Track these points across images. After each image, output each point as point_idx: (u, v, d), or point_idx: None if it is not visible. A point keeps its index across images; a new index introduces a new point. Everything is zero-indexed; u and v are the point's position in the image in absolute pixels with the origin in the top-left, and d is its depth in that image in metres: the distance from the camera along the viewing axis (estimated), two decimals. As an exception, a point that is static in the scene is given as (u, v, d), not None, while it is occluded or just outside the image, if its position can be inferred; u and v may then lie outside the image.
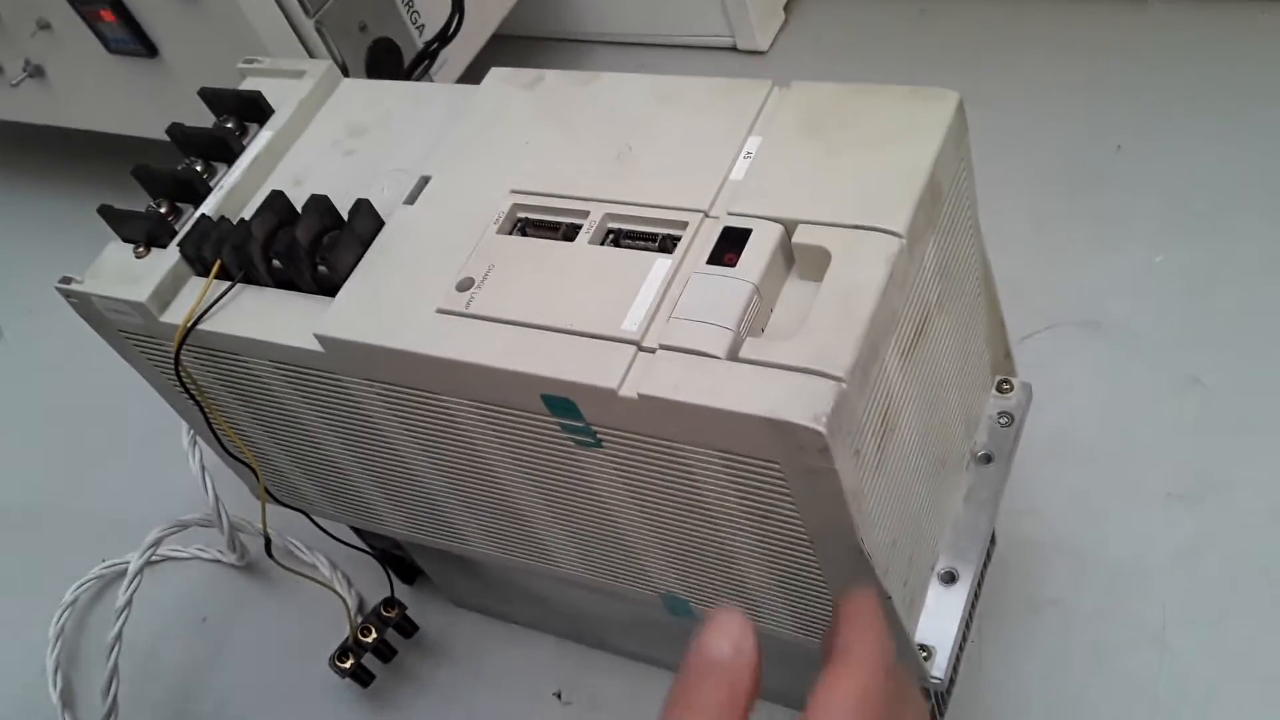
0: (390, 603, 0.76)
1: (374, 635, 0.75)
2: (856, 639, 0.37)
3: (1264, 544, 0.67)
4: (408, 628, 0.78)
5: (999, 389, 0.60)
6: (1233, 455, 0.71)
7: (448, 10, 0.91)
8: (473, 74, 0.54)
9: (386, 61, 0.90)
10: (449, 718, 0.76)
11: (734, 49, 1.10)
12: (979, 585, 0.58)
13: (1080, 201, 0.87)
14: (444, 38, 0.91)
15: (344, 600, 0.76)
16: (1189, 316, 0.78)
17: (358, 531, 0.75)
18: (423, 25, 0.93)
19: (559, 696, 0.75)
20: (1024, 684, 0.66)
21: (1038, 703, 0.65)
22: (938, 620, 0.54)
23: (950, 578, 0.55)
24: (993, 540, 0.67)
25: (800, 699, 0.36)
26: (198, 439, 0.81)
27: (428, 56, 0.91)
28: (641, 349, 0.44)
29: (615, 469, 0.48)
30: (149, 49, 0.92)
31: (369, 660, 0.75)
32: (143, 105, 0.98)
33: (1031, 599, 0.69)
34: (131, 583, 0.83)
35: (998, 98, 0.92)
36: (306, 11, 0.84)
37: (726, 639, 0.36)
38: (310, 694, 0.79)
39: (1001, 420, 0.60)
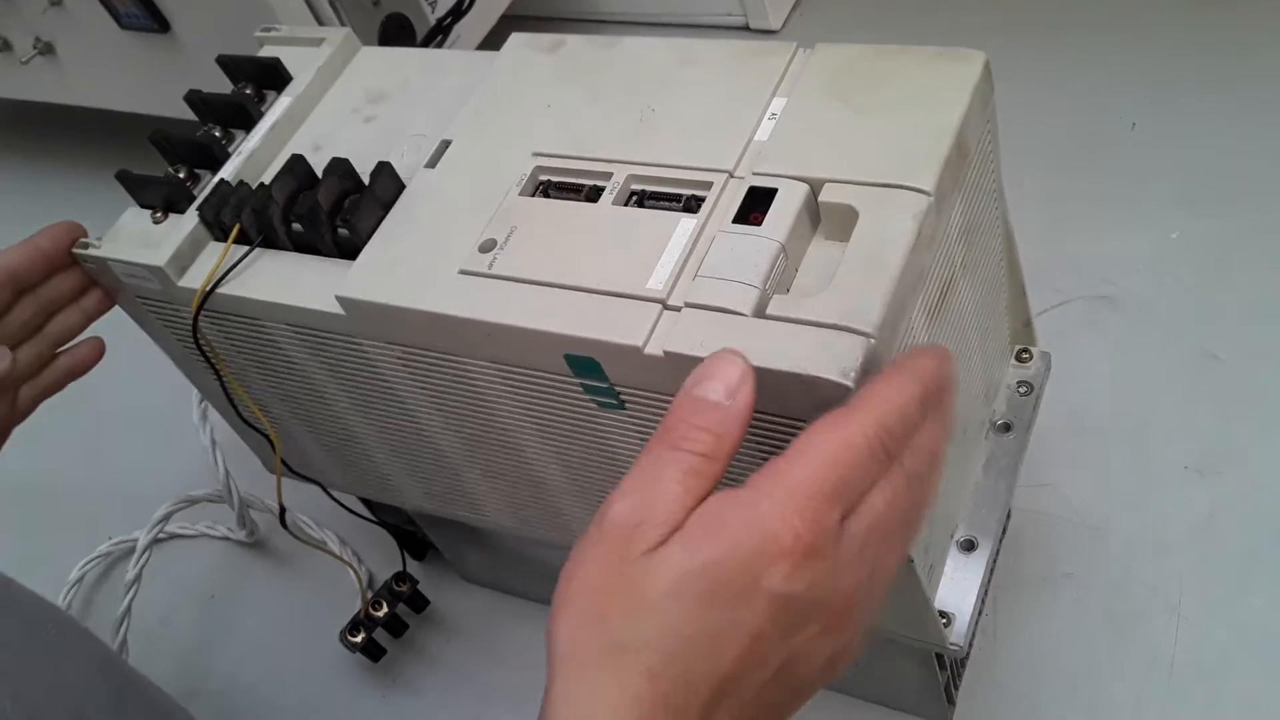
0: (402, 577, 0.76)
1: (385, 610, 0.75)
2: (882, 392, 0.36)
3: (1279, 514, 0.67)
4: (419, 603, 0.78)
5: (1018, 358, 0.60)
6: (1249, 429, 0.71)
7: (460, -14, 0.91)
8: (484, 51, 0.54)
9: (399, 36, 0.89)
10: (460, 693, 0.76)
11: (746, 28, 1.09)
12: (996, 555, 0.58)
13: (1095, 178, 0.87)
14: (457, 13, 0.91)
15: (355, 573, 0.76)
16: (1204, 292, 0.78)
17: (369, 506, 0.75)
18: (435, 1, 0.92)
19: (572, 670, 0.74)
20: (1039, 655, 0.66)
21: (1053, 673, 0.65)
22: (957, 587, 0.54)
23: (970, 545, 0.55)
24: (1008, 513, 0.67)
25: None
26: (208, 414, 0.81)
27: (440, 32, 0.91)
28: (667, 307, 0.43)
29: (637, 431, 0.48)
30: (161, 24, 0.91)
31: (380, 635, 0.75)
32: (155, 82, 0.98)
33: (1047, 571, 0.68)
34: (140, 559, 0.84)
35: (1012, 75, 0.91)
36: (319, -15, 0.84)
37: (722, 383, 0.36)
38: (320, 669, 0.79)
39: (1021, 390, 0.60)
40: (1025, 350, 0.60)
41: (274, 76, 0.60)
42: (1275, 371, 0.72)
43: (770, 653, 0.35)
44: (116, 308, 0.60)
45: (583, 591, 0.36)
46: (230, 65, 0.61)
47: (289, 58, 0.61)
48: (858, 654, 0.39)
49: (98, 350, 0.62)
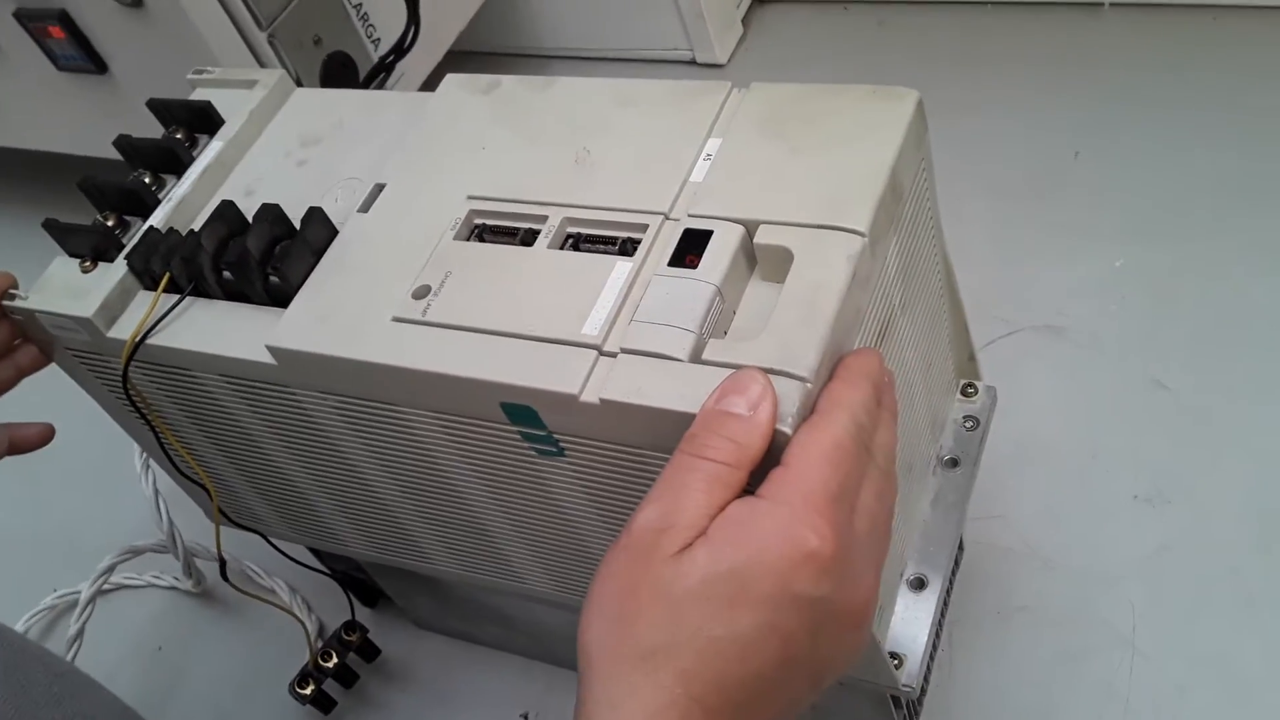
0: (351, 626, 0.74)
1: (335, 660, 0.73)
2: (844, 393, 0.39)
3: (1232, 544, 0.67)
4: (370, 652, 0.76)
5: (963, 393, 0.60)
6: (1198, 457, 0.71)
7: (403, 23, 0.90)
8: (429, 89, 0.53)
9: (341, 75, 0.89)
10: (413, 742, 0.74)
11: (693, 62, 1.10)
12: (948, 591, 0.58)
13: (1040, 208, 0.87)
14: (400, 50, 0.90)
15: (304, 624, 0.74)
16: (1151, 320, 0.78)
17: (317, 553, 0.74)
18: (378, 39, 0.92)
19: (526, 718, 0.73)
20: (995, 690, 0.65)
21: (1010, 708, 0.64)
22: (908, 627, 0.53)
23: (920, 584, 0.55)
24: (961, 546, 0.66)
25: None
26: (150, 463, 0.79)
27: (383, 70, 0.90)
28: (603, 353, 0.43)
29: (578, 478, 0.47)
30: (99, 65, 0.90)
31: (330, 686, 0.73)
32: (93, 123, 0.96)
33: (1001, 605, 0.68)
34: (83, 612, 0.82)
35: (956, 107, 0.92)
36: (259, 24, 0.83)
37: (744, 397, 0.38)
38: (270, 722, 0.77)
39: (967, 424, 0.59)
40: (970, 385, 0.60)
41: (206, 120, 0.59)
42: (1222, 399, 0.73)
43: (799, 653, 0.36)
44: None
45: (611, 597, 0.37)
46: (161, 109, 0.60)
47: (221, 100, 0.60)
48: (866, 647, 0.40)
49: (45, 436, 0.62)
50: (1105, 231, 0.84)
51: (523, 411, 0.44)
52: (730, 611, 0.35)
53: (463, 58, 1.05)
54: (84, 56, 0.90)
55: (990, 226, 0.86)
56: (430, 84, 0.97)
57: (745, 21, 1.12)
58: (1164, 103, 0.90)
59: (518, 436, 0.46)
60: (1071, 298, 0.81)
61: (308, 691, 0.72)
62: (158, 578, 0.86)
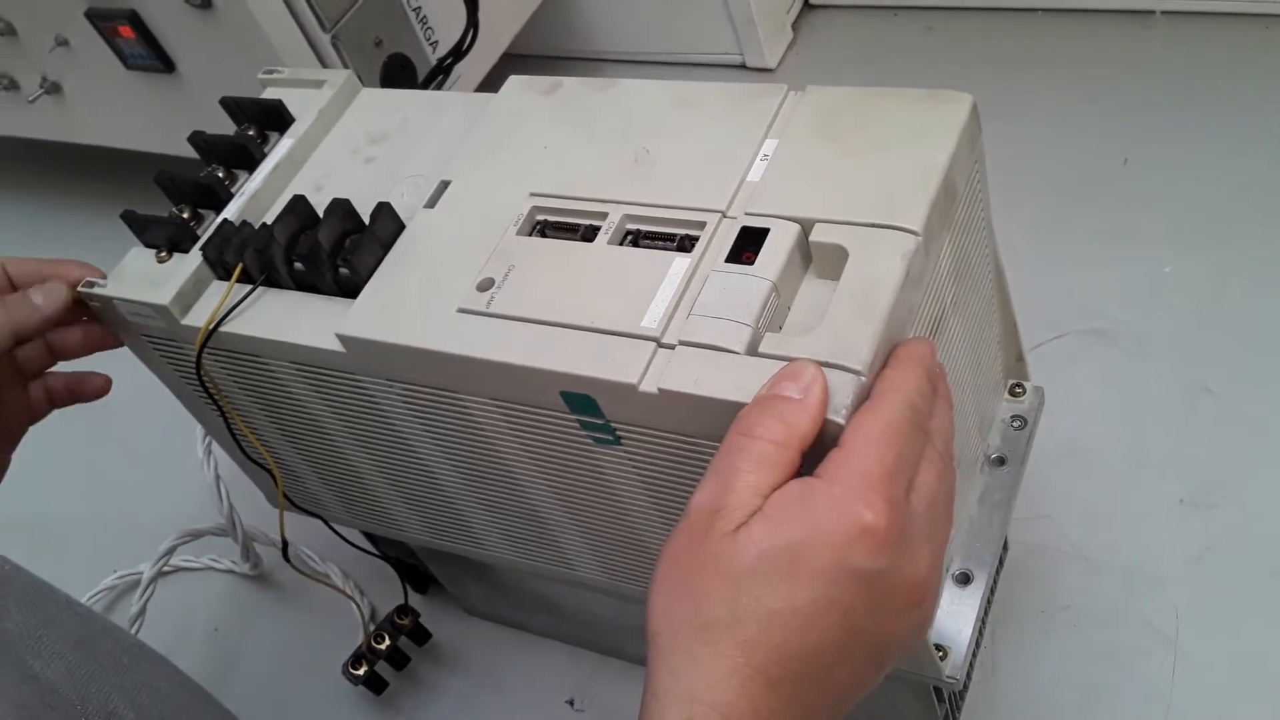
0: (404, 610, 0.76)
1: (387, 642, 0.75)
2: (897, 378, 0.40)
3: (1276, 548, 0.67)
4: (421, 635, 0.78)
5: (1011, 393, 0.61)
6: (1243, 461, 0.71)
7: (462, 26, 0.93)
8: (485, 90, 0.55)
9: (401, 77, 0.91)
10: (462, 725, 0.76)
11: (743, 66, 1.11)
12: (993, 588, 0.59)
13: (1088, 213, 0.87)
14: (458, 53, 0.92)
15: (358, 607, 0.77)
16: (1198, 325, 0.78)
17: (371, 540, 0.76)
18: (436, 41, 0.94)
19: (572, 704, 0.75)
20: (1038, 688, 0.66)
21: (1052, 706, 0.65)
22: (953, 621, 0.54)
23: (965, 579, 0.56)
24: (1005, 546, 0.67)
25: None
26: (212, 448, 0.82)
27: (442, 72, 0.92)
28: (661, 345, 0.44)
29: (633, 467, 0.48)
30: (167, 65, 0.93)
31: (382, 667, 0.75)
32: (160, 121, 0.99)
33: (1044, 604, 0.69)
34: (144, 593, 0.84)
35: (1005, 112, 0.93)
36: (323, 26, 0.85)
37: (795, 383, 0.39)
38: (323, 702, 0.79)
39: (1015, 424, 0.60)
40: (1019, 385, 0.61)
41: (276, 118, 0.61)
42: (1268, 404, 0.73)
43: (859, 627, 0.37)
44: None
45: (673, 573, 0.38)
46: (234, 107, 0.62)
47: (291, 99, 0.62)
48: (930, 626, 0.41)
49: (106, 383, 0.63)
50: (1153, 237, 0.84)
51: (582, 400, 0.46)
52: (788, 585, 0.36)
53: (517, 61, 1.06)
54: (153, 56, 0.92)
55: (1038, 230, 0.86)
56: (486, 86, 0.99)
57: (795, 26, 1.13)
58: (1214, 110, 0.90)
59: (576, 425, 0.48)
60: (1119, 302, 0.81)
61: (360, 672, 0.74)
62: (215, 560, 0.89)
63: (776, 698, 0.36)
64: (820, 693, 0.37)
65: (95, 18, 0.92)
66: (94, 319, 0.60)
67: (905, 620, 0.39)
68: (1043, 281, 0.83)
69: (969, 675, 0.65)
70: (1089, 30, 1.00)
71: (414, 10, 0.91)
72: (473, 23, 0.92)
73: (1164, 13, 0.98)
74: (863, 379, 0.40)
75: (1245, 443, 0.72)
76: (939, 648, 0.53)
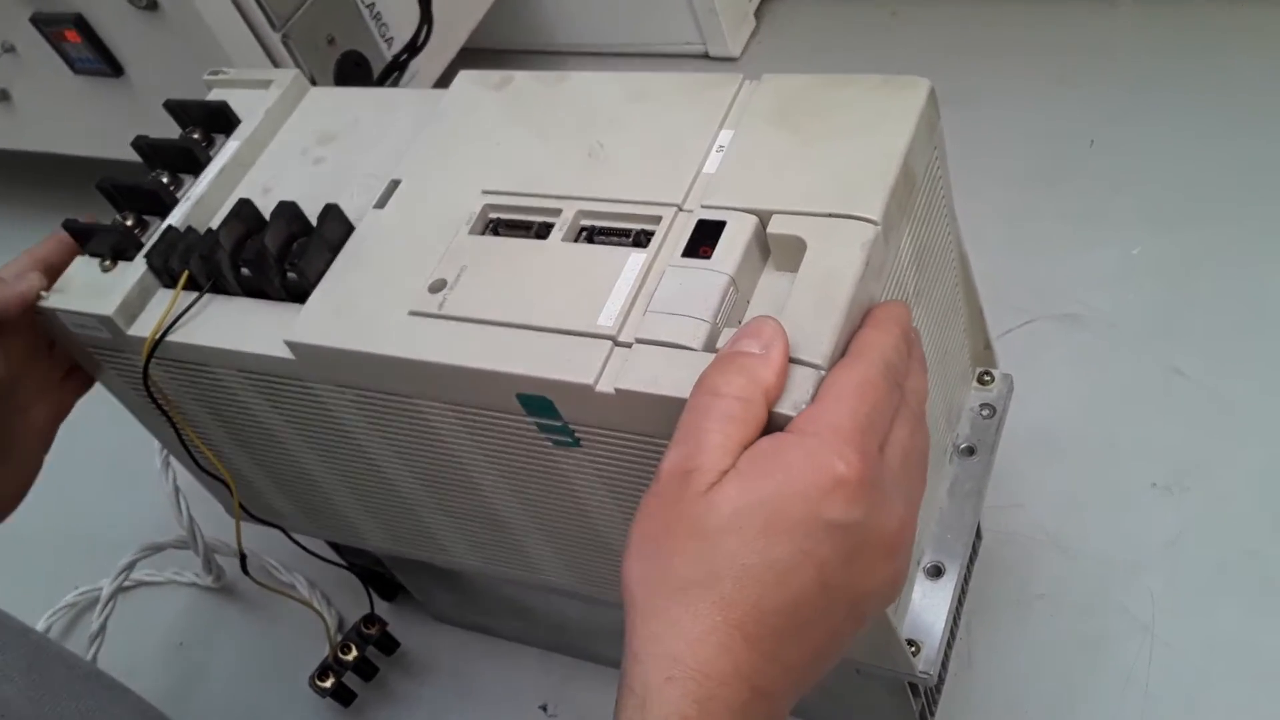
0: (370, 619, 0.75)
1: (354, 653, 0.74)
2: (871, 337, 0.40)
3: (1250, 530, 0.66)
4: (389, 645, 0.76)
5: (980, 381, 0.60)
6: (1215, 444, 0.70)
7: (416, 22, 0.91)
8: (442, 86, 0.54)
9: (355, 75, 0.89)
10: (434, 735, 0.75)
11: (706, 56, 1.10)
12: (966, 579, 0.58)
13: (1055, 197, 0.87)
14: (413, 49, 0.90)
15: (323, 617, 0.75)
16: (1167, 308, 0.78)
17: (336, 548, 0.74)
18: (391, 38, 0.92)
19: (545, 709, 0.73)
20: (1015, 678, 0.65)
21: (1029, 697, 0.64)
22: (925, 615, 0.53)
23: (936, 571, 0.55)
24: (978, 535, 0.66)
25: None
26: (170, 460, 0.80)
27: (397, 68, 0.91)
28: (618, 344, 0.43)
29: (594, 469, 0.47)
30: (114, 68, 0.91)
31: (350, 679, 0.74)
32: (109, 126, 0.97)
33: (1020, 594, 0.68)
34: (105, 609, 0.82)
35: (970, 97, 0.92)
36: (273, 25, 0.83)
37: (756, 340, 0.39)
38: (290, 715, 0.78)
39: (984, 412, 0.59)
40: (987, 373, 0.60)
41: (222, 120, 0.59)
42: (1240, 386, 0.72)
43: (835, 580, 0.37)
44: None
45: (647, 537, 0.38)
46: (178, 110, 0.60)
47: (237, 100, 0.60)
48: (905, 581, 0.41)
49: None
50: (1121, 220, 0.83)
51: (539, 402, 0.45)
52: (763, 539, 0.36)
53: (475, 55, 1.05)
54: (100, 60, 0.90)
55: (1005, 215, 0.85)
56: (443, 82, 0.97)
57: (758, 14, 1.12)
58: (1178, 92, 0.90)
59: (534, 428, 0.46)
60: (1088, 286, 0.80)
61: (328, 684, 0.72)
62: (178, 574, 0.87)
63: (757, 655, 0.36)
64: (799, 648, 0.37)
65: (41, 23, 0.90)
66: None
67: (879, 574, 0.38)
68: (1011, 266, 0.82)
69: (944, 668, 0.64)
70: (1054, 14, 1.00)
71: (367, 6, 0.89)
72: (427, 18, 0.90)
73: (1127, -6, 0.98)
74: (822, 372, 0.39)
75: (1217, 425, 0.71)
76: (911, 643, 0.52)
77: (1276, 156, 0.83)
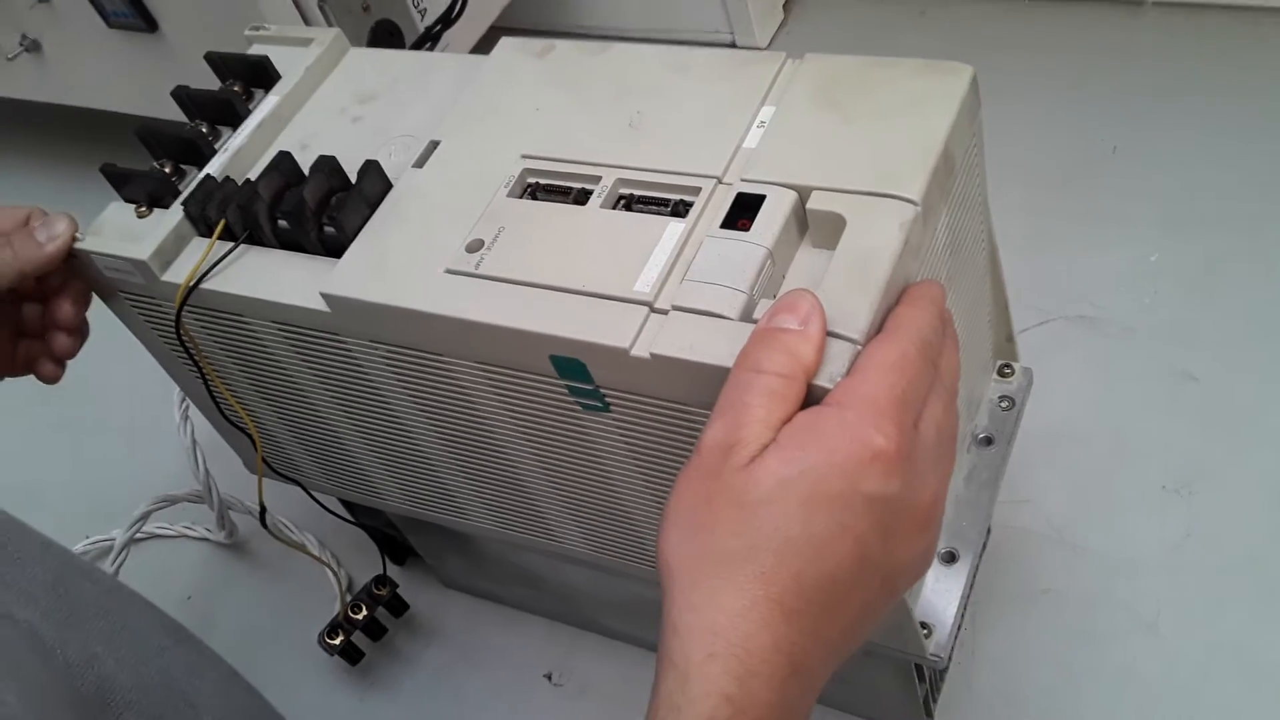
0: (381, 581, 0.76)
1: (364, 613, 0.74)
2: (909, 314, 0.41)
3: (1257, 535, 0.67)
4: (399, 607, 0.77)
5: (1000, 373, 0.61)
6: (1226, 449, 0.71)
7: (451, -6, 0.91)
8: (475, 57, 0.55)
9: (388, 43, 0.89)
10: (438, 697, 0.75)
11: (733, 45, 1.10)
12: (976, 568, 0.58)
13: (1076, 200, 0.87)
14: (446, 21, 0.91)
15: (334, 575, 0.76)
16: (1183, 313, 0.78)
17: (350, 509, 0.75)
18: (425, 9, 0.93)
19: (549, 678, 0.74)
20: (1017, 670, 0.66)
21: (1030, 689, 0.65)
22: (938, 598, 0.54)
23: (951, 557, 0.55)
24: (988, 529, 0.67)
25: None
26: (189, 413, 0.80)
27: (429, 39, 0.91)
28: (654, 310, 0.43)
29: (621, 435, 0.48)
30: (149, 23, 0.91)
31: (359, 638, 0.75)
32: (142, 81, 0.97)
33: (1026, 587, 0.69)
34: (117, 558, 0.83)
35: (996, 97, 0.92)
36: (310, -13, 0.84)
37: (794, 314, 0.39)
38: (298, 671, 0.78)
39: (1003, 404, 0.60)
40: (1007, 365, 0.61)
41: (262, 75, 0.60)
42: (1251, 392, 0.73)
43: (872, 554, 0.37)
44: (100, 307, 0.60)
45: (687, 509, 0.38)
46: (218, 62, 0.60)
47: (278, 57, 0.61)
48: (934, 555, 0.41)
49: (70, 354, 0.59)
50: (1140, 225, 0.84)
51: (572, 365, 0.45)
52: (804, 512, 0.36)
53: (505, 34, 1.05)
54: (134, 13, 0.91)
55: (1026, 216, 0.86)
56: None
57: (786, 8, 1.12)
58: (1202, 101, 0.90)
59: (564, 391, 0.47)
60: (1105, 289, 0.81)
61: (337, 642, 0.73)
62: (190, 528, 0.88)
63: (795, 630, 0.36)
64: (834, 623, 0.37)
65: (76, -28, 0.90)
66: (78, 276, 0.58)
67: (913, 546, 0.39)
68: (1029, 267, 0.82)
69: (951, 655, 0.65)
70: (1080, 18, 1.00)
71: (403, -25, 0.90)
72: (462, -10, 0.90)
73: (1154, 3, 0.98)
74: (859, 347, 0.40)
75: (1227, 430, 0.72)
76: (923, 625, 0.53)
77: (1298, 169, 0.83)
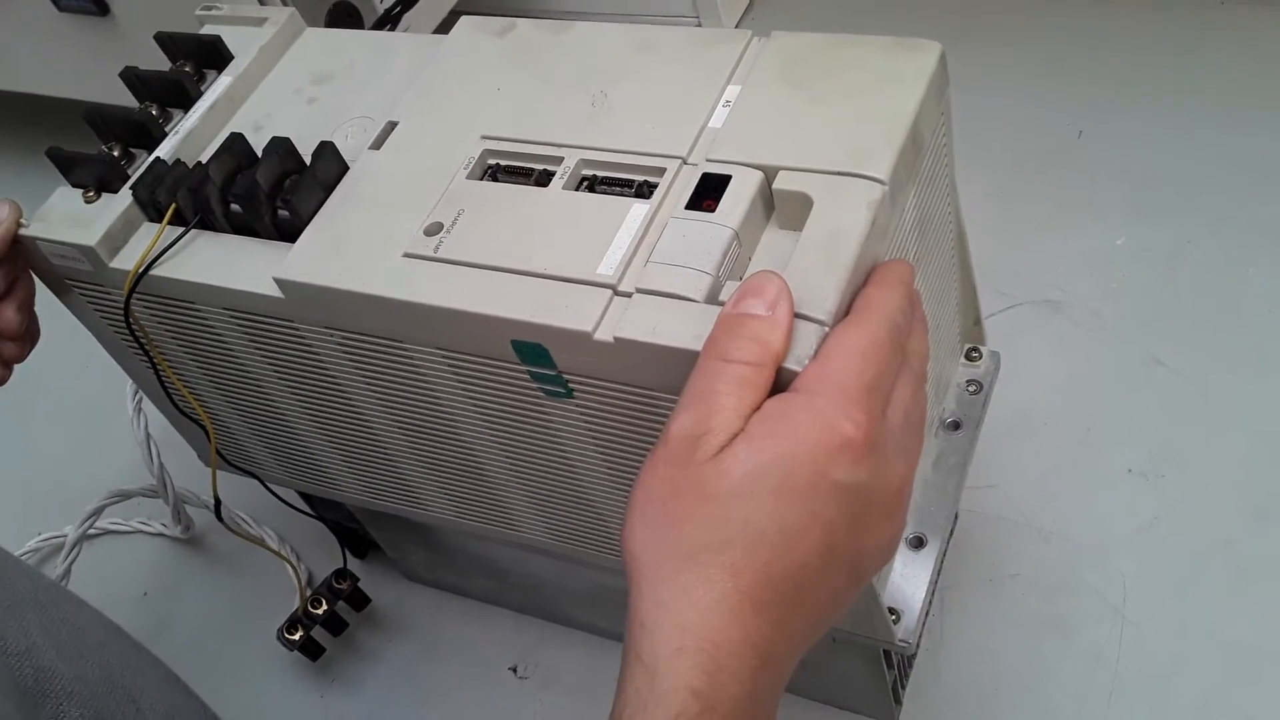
0: (342, 575, 0.74)
1: (324, 607, 0.73)
2: (877, 296, 0.40)
3: (1224, 518, 0.67)
4: (360, 601, 0.76)
5: (968, 357, 0.60)
6: (1192, 433, 0.71)
7: (410, -25, 0.90)
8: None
9: (346, 25, 0.88)
10: (401, 692, 0.74)
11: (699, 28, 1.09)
12: (944, 553, 0.58)
13: (1043, 185, 0.87)
14: (406, 2, 0.89)
15: (294, 570, 0.74)
16: (1150, 298, 0.78)
17: (309, 502, 0.73)
18: (385, -10, 0.91)
19: (515, 671, 0.73)
20: (985, 656, 0.66)
21: (999, 674, 0.65)
22: (906, 584, 0.54)
23: (919, 543, 0.55)
24: (956, 514, 0.66)
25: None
26: (142, 406, 0.78)
27: (389, 21, 0.89)
28: (618, 293, 0.42)
29: (585, 421, 0.47)
30: (100, 6, 0.89)
31: (319, 633, 0.73)
32: (93, 66, 0.95)
33: (993, 573, 0.68)
34: (69, 555, 0.81)
35: (961, 81, 0.92)
36: (265, -30, 0.82)
37: (761, 299, 0.38)
38: (257, 668, 0.77)
39: (970, 388, 0.59)
40: (975, 349, 0.60)
41: (214, 55, 0.58)
42: (1218, 376, 0.73)
43: (839, 542, 0.37)
44: (50, 295, 0.58)
45: (655, 502, 0.37)
46: (169, 43, 0.59)
47: (231, 37, 0.59)
48: (900, 540, 0.41)
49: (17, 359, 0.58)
50: (1107, 210, 0.84)
51: (533, 350, 0.44)
52: (775, 502, 0.35)
53: (468, 15, 1.03)
54: (85, -4, 0.89)
55: (992, 201, 0.86)
56: (435, 38, 0.96)
57: (753, -10, 1.11)
58: (1168, 87, 0.90)
59: (526, 377, 0.46)
60: (1071, 274, 0.81)
61: (296, 637, 0.72)
62: (145, 524, 0.86)
63: (765, 621, 0.35)
64: (803, 613, 0.37)
65: (24, -46, 0.88)
66: (23, 280, 0.56)
67: (881, 533, 0.38)
68: (996, 252, 0.82)
69: (919, 640, 0.65)
70: (1047, 4, 1.00)
71: (361, -43, 0.88)
72: (422, -29, 0.89)
73: (1120, -12, 0.98)
74: (826, 329, 0.39)
75: (1194, 414, 0.72)
76: (891, 611, 0.52)
77: (1260, 151, 0.83)
